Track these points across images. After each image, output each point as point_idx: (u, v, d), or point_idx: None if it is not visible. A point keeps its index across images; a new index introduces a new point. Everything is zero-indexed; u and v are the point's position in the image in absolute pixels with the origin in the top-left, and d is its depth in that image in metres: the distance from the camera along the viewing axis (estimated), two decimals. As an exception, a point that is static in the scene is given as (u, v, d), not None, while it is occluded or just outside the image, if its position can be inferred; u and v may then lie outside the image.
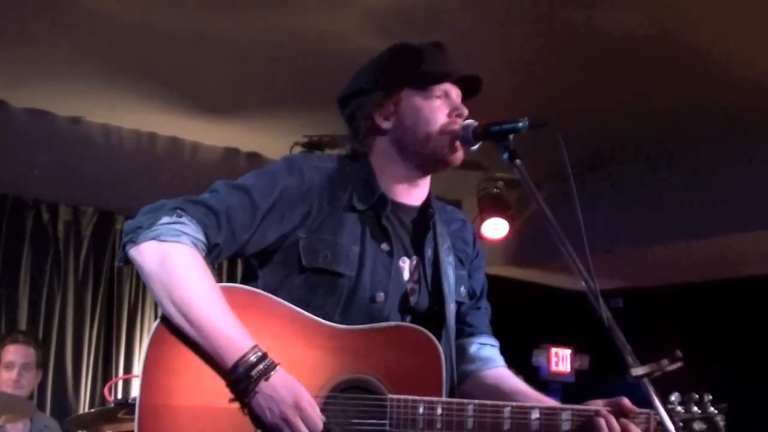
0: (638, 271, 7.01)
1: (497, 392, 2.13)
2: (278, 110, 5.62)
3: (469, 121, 2.10)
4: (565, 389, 7.50)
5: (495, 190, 6.51)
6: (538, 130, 1.98)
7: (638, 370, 1.72)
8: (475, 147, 2.10)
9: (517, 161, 1.98)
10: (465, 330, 2.29)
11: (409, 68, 2.16)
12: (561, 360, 7.47)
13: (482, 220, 6.49)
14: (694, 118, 5.51)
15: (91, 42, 4.76)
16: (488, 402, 1.96)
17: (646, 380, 1.72)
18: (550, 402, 2.08)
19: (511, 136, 1.99)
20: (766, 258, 6.39)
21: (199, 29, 4.57)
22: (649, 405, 1.73)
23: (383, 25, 4.40)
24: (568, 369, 7.50)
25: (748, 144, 5.76)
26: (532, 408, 1.96)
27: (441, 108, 2.12)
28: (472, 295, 2.30)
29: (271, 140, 6.03)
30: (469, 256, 2.31)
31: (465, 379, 2.24)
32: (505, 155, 1.99)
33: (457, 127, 2.09)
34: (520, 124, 1.98)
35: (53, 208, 5.75)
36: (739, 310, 6.77)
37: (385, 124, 2.15)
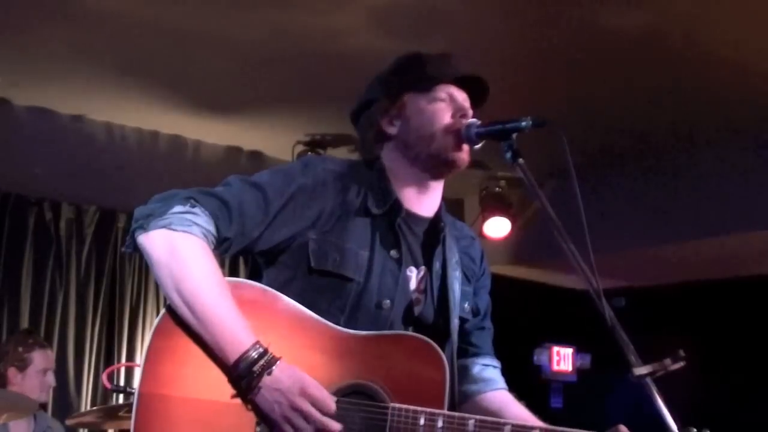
0: (641, 270, 7.00)
1: (499, 416, 2.09)
2: (281, 109, 5.61)
3: (472, 119, 2.10)
4: (567, 388, 7.50)
5: (497, 189, 6.51)
6: (540, 129, 1.98)
7: (641, 370, 1.72)
8: (478, 146, 2.10)
9: (520, 160, 1.97)
10: (469, 350, 2.28)
11: (411, 72, 2.16)
12: (563, 359, 7.46)
13: (484, 219, 6.49)
14: (696, 117, 5.50)
15: (94, 40, 4.76)
16: (489, 418, 1.94)
17: (648, 379, 1.72)
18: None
19: (514, 135, 1.99)
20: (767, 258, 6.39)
21: (201, 27, 4.57)
22: (652, 405, 1.73)
23: (386, 24, 4.40)
24: (570, 368, 7.49)
25: (750, 143, 5.75)
26: (533, 428, 1.94)
27: (445, 109, 2.11)
28: (475, 312, 2.28)
29: (273, 139, 6.03)
30: (475, 274, 2.30)
31: (466, 400, 2.23)
32: (508, 154, 1.99)
33: (460, 126, 2.09)
34: (524, 123, 1.98)
35: (55, 207, 5.73)
36: (741, 309, 6.77)
37: (391, 129, 2.15)
